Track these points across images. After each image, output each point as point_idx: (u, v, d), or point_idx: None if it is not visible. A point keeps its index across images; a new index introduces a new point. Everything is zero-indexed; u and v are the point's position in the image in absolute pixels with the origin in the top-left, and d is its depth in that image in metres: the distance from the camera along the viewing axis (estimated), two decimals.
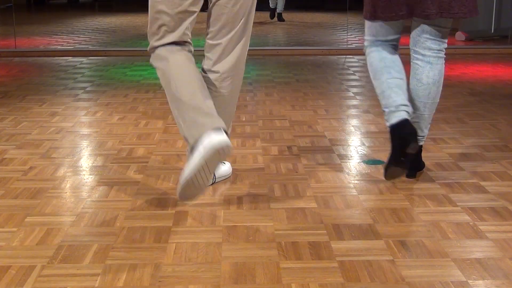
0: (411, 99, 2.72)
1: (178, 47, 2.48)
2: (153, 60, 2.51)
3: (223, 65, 2.55)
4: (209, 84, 2.53)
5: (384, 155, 3.19)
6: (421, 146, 2.82)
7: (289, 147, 3.34)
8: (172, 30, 2.46)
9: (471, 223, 2.35)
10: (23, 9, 12.38)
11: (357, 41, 7.85)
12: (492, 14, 7.77)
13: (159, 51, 2.48)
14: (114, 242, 2.19)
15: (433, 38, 2.72)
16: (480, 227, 2.32)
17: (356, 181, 2.81)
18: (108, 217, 2.41)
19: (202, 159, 2.20)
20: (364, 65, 6.13)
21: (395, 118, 2.60)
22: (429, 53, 2.75)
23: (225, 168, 2.83)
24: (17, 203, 2.55)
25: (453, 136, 3.56)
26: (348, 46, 7.47)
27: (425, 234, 2.25)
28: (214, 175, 2.67)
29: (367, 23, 2.82)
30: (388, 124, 2.64)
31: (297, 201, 2.58)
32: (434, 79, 2.73)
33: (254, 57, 6.67)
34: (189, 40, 2.53)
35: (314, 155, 3.20)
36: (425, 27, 2.72)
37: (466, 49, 7.08)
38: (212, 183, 2.73)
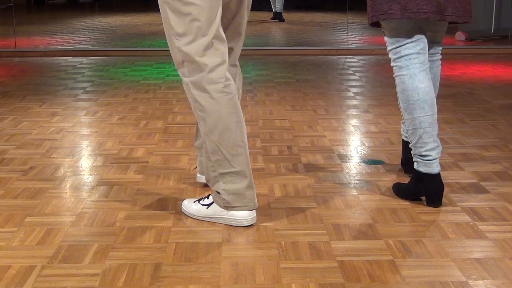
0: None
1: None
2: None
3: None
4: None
5: (384, 155, 3.19)
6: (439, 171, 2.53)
7: (289, 147, 3.34)
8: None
9: (471, 223, 2.35)
10: (23, 9, 12.38)
11: (357, 41, 7.85)
12: (492, 14, 7.77)
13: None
14: (114, 242, 2.19)
15: (429, 42, 2.63)
16: (480, 227, 2.32)
17: (356, 181, 2.81)
18: (108, 217, 2.41)
19: (221, 221, 2.33)
20: (364, 65, 6.14)
21: (425, 168, 2.47)
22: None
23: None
24: (17, 203, 2.55)
25: (453, 136, 3.56)
26: (348, 46, 7.47)
27: (425, 234, 2.25)
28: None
29: (388, 28, 2.50)
30: (415, 167, 2.51)
31: (297, 201, 2.58)
32: (435, 81, 2.73)
33: (254, 57, 6.67)
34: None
35: (314, 155, 3.20)
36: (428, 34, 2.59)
37: (466, 49, 7.07)
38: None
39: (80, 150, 3.30)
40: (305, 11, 11.77)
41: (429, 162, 2.46)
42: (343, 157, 3.17)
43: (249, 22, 10.15)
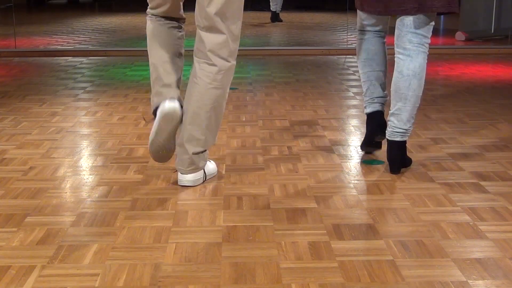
0: (393, 92, 2.88)
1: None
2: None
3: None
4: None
5: (384, 155, 3.19)
6: (405, 141, 2.91)
7: (289, 147, 3.34)
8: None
9: (471, 223, 2.35)
10: (23, 9, 12.38)
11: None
12: (492, 14, 7.77)
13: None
14: (114, 242, 2.19)
15: (413, 31, 2.83)
16: (480, 227, 2.32)
17: (356, 181, 2.81)
18: (108, 217, 2.41)
19: (157, 122, 2.64)
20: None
21: (370, 108, 3.10)
22: (409, 46, 2.85)
23: (212, 167, 2.85)
24: (17, 203, 2.55)
25: (453, 136, 3.56)
26: (348, 46, 7.47)
27: (425, 234, 2.25)
28: (205, 173, 2.78)
29: (358, 11, 3.12)
30: (365, 111, 3.13)
31: (297, 201, 2.58)
32: (415, 71, 2.86)
33: (254, 57, 6.67)
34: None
35: (314, 155, 3.20)
36: (405, 21, 2.84)
37: (466, 49, 7.07)
38: (203, 182, 2.77)
39: (80, 150, 3.30)
40: (305, 11, 11.77)
41: (374, 103, 3.09)
42: (343, 157, 3.17)
43: (249, 22, 10.15)
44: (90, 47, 7.40)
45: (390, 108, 2.89)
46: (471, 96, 4.64)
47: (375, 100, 3.09)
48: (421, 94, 2.89)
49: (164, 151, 2.72)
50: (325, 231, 2.27)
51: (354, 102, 4.45)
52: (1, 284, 1.89)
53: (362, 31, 3.13)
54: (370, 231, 2.28)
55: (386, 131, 2.92)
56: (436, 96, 4.64)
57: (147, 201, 2.58)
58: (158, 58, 2.77)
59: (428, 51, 2.91)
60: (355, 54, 6.81)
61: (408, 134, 2.89)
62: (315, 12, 11.78)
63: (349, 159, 3.13)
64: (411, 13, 2.79)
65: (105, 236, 2.24)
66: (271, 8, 9.96)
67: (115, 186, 2.75)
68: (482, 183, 2.80)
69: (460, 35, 7.79)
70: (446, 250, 2.12)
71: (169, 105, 2.64)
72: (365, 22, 3.10)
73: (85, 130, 3.69)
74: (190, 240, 2.20)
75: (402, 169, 2.94)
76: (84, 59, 6.57)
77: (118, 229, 2.30)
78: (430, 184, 2.78)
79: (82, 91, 4.86)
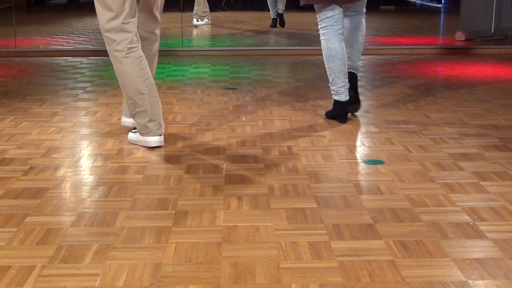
0: (348, 40, 3.85)
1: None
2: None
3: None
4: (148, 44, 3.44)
5: (384, 155, 3.19)
6: (356, 76, 3.92)
7: (289, 147, 3.34)
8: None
9: (471, 223, 2.35)
10: (23, 9, 12.38)
11: None
12: (492, 14, 7.77)
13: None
14: (114, 242, 2.19)
15: (353, 9, 3.85)
16: (480, 227, 2.32)
17: (356, 181, 2.81)
18: (108, 217, 2.41)
19: (139, 144, 3.33)
20: (364, 65, 6.14)
21: (338, 97, 3.82)
22: (351, 14, 3.86)
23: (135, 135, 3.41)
24: (17, 203, 2.55)
25: (453, 136, 3.56)
26: None
27: (425, 234, 2.25)
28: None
29: (316, 7, 3.83)
30: (333, 97, 3.85)
31: (297, 201, 2.58)
32: (361, 23, 3.86)
33: (254, 57, 6.68)
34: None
35: (314, 155, 3.20)
36: (348, 5, 3.83)
37: (466, 49, 7.08)
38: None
39: (80, 150, 3.30)
40: (305, 11, 11.77)
41: (339, 94, 3.80)
42: (343, 157, 3.17)
43: (249, 22, 10.15)
44: (90, 47, 7.40)
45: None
46: (471, 96, 4.64)
47: (341, 90, 3.79)
48: (363, 41, 3.91)
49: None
50: (325, 231, 2.27)
51: None
52: (1, 284, 1.89)
53: (322, 29, 3.79)
54: (370, 231, 2.28)
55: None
56: (436, 96, 4.64)
57: (147, 201, 2.58)
58: (141, 88, 3.25)
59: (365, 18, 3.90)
60: None
61: (359, 68, 3.93)
62: (315, 12, 11.76)
63: (349, 159, 3.13)
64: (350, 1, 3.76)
65: (105, 236, 2.24)
66: (271, 16, 9.41)
67: (115, 186, 2.75)
68: (482, 183, 2.80)
69: (460, 35, 7.79)
70: (446, 250, 2.12)
71: (159, 143, 3.32)
72: (323, 16, 3.76)
73: (85, 130, 3.69)
74: (190, 240, 2.20)
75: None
76: (84, 59, 6.57)
77: (118, 229, 2.30)
78: (430, 184, 2.78)
79: (82, 91, 4.86)
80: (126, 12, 3.12)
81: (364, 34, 3.91)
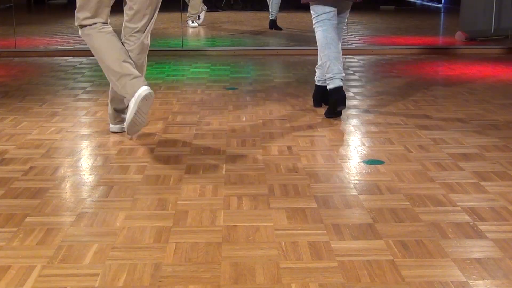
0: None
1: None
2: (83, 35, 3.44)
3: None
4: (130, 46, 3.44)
5: (384, 155, 3.19)
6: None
7: (289, 147, 3.34)
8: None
9: (471, 223, 2.35)
10: (23, 9, 12.38)
11: (357, 41, 7.85)
12: (492, 14, 7.77)
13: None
14: (114, 242, 2.19)
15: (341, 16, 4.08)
16: (480, 227, 2.32)
17: (356, 181, 2.81)
18: (108, 217, 2.41)
19: (136, 106, 3.18)
20: (364, 65, 6.14)
21: (333, 84, 3.89)
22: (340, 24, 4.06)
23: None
24: (17, 203, 2.55)
25: (453, 136, 3.56)
26: (348, 46, 7.46)
27: (425, 234, 2.25)
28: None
29: (313, 5, 3.98)
30: (328, 87, 3.92)
31: (297, 201, 2.58)
32: (340, 35, 4.05)
33: (254, 57, 6.68)
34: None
35: (314, 155, 3.20)
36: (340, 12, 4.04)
37: (466, 49, 7.08)
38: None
39: (80, 150, 3.30)
40: (305, 11, 11.77)
41: (334, 80, 3.89)
42: (343, 157, 3.17)
43: (249, 23, 10.15)
44: None
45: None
46: (471, 96, 4.64)
47: (336, 76, 3.89)
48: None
49: (140, 127, 3.30)
50: (325, 231, 2.27)
51: (354, 102, 4.45)
52: (1, 284, 1.89)
53: (318, 24, 3.97)
54: (370, 231, 2.28)
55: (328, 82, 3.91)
56: (436, 96, 4.64)
57: (147, 201, 2.58)
58: (117, 58, 3.33)
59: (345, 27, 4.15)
60: (355, 54, 6.84)
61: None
62: None
63: (349, 159, 3.13)
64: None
65: (105, 236, 2.24)
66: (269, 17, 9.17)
67: (115, 186, 2.75)
68: (482, 183, 2.80)
69: (460, 35, 7.79)
70: (446, 250, 2.12)
71: (148, 90, 3.21)
72: (321, 13, 3.94)
73: (85, 130, 3.69)
74: (190, 240, 2.20)
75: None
76: (84, 59, 6.57)
77: (118, 229, 2.30)
78: (430, 184, 2.78)
79: (82, 91, 4.86)
80: (100, 18, 3.38)
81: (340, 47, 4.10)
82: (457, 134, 3.59)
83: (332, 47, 3.91)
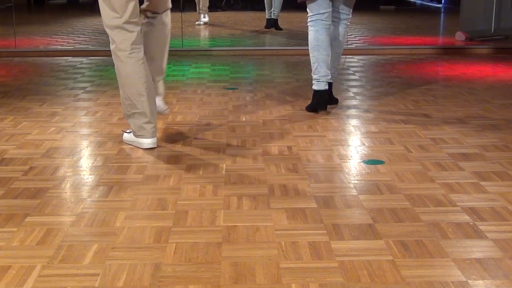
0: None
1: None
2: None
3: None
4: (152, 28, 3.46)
5: (384, 155, 3.19)
6: (332, 83, 4.17)
7: (289, 147, 3.34)
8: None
9: (471, 223, 2.35)
10: (23, 9, 12.38)
11: (357, 41, 7.85)
12: (492, 14, 7.77)
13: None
14: (114, 242, 2.19)
15: (341, 11, 4.14)
16: (480, 227, 2.32)
17: (356, 181, 2.81)
18: (108, 217, 2.41)
19: (134, 143, 3.36)
20: (364, 65, 6.14)
21: (317, 86, 4.05)
22: (338, 19, 4.17)
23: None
24: (17, 203, 2.55)
25: (453, 136, 3.56)
26: (348, 46, 7.46)
27: (425, 234, 2.25)
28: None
29: (309, 4, 4.12)
30: (313, 87, 4.07)
31: (297, 201, 2.58)
32: (341, 33, 4.18)
33: (254, 57, 6.68)
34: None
35: (314, 155, 3.20)
36: (336, 3, 4.13)
37: (466, 49, 7.08)
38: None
39: (80, 150, 3.30)
40: (305, 11, 11.77)
41: (319, 82, 4.03)
42: (343, 157, 3.17)
43: (249, 22, 10.15)
44: (90, 47, 7.40)
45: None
46: (471, 96, 4.64)
47: (322, 79, 4.02)
48: (343, 47, 4.23)
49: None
50: (325, 231, 2.27)
51: (354, 102, 4.45)
52: (1, 284, 1.89)
53: (311, 23, 4.11)
54: (370, 231, 2.28)
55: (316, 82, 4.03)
56: (436, 96, 4.64)
57: (147, 201, 2.58)
58: (141, 90, 3.27)
59: (348, 23, 4.20)
60: (355, 54, 6.85)
61: (335, 75, 4.21)
62: None
63: (349, 159, 3.13)
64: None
65: (105, 236, 2.24)
66: (266, 16, 9.14)
67: (115, 186, 2.75)
68: (482, 183, 2.80)
69: (460, 35, 7.79)
70: (446, 250, 2.12)
71: (152, 145, 3.33)
72: (316, 12, 4.08)
73: (85, 130, 3.69)
74: (190, 240, 2.20)
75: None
76: (84, 59, 6.57)
77: (118, 229, 2.30)
78: (430, 184, 2.78)
79: (82, 91, 4.86)
80: (129, 13, 3.16)
81: (344, 43, 4.23)
82: (457, 134, 3.59)
83: (321, 49, 4.01)
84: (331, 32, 4.15)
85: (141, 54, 3.24)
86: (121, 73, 3.24)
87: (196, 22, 9.73)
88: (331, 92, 4.24)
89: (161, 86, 3.66)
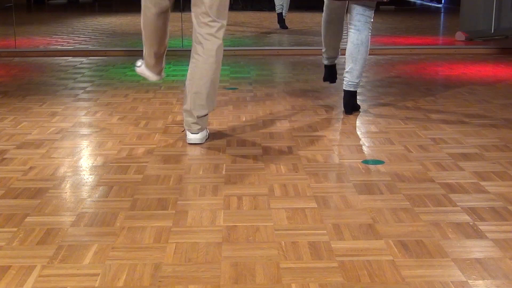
0: (347, 56, 3.99)
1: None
2: None
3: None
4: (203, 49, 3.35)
5: (384, 155, 3.19)
6: (356, 91, 4.06)
7: (289, 147, 3.34)
8: None
9: (471, 223, 2.35)
10: (23, 9, 12.38)
11: None
12: (492, 14, 7.77)
13: None
14: (114, 242, 2.19)
15: (361, 13, 3.96)
16: (480, 227, 2.32)
17: (356, 181, 2.81)
18: (108, 217, 2.41)
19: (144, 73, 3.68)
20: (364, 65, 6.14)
21: (327, 62, 4.43)
22: (358, 24, 3.97)
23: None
24: (17, 203, 2.55)
25: (453, 136, 3.56)
26: None
27: (425, 234, 2.25)
28: (207, 132, 3.52)
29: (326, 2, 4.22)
30: (324, 62, 4.44)
31: (297, 201, 2.58)
32: (362, 41, 3.96)
33: (254, 57, 6.67)
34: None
35: (314, 155, 3.20)
36: (356, 6, 3.97)
37: (466, 49, 7.08)
38: (207, 139, 3.47)
39: (80, 150, 3.30)
40: (305, 11, 11.77)
41: (329, 58, 4.36)
42: (343, 157, 3.17)
43: (249, 22, 10.15)
44: (90, 47, 7.40)
45: (345, 68, 4.00)
46: (471, 96, 4.64)
47: (331, 61, 4.40)
48: (367, 58, 4.00)
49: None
50: (325, 231, 2.27)
51: None
52: (1, 284, 1.89)
53: (326, 19, 4.31)
54: (370, 231, 2.28)
55: (343, 84, 4.02)
56: (436, 96, 4.64)
57: (147, 201, 2.58)
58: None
59: (371, 27, 4.00)
60: None
61: (358, 86, 4.03)
62: (315, 12, 11.78)
63: (349, 159, 3.13)
64: (360, 3, 3.94)
65: (105, 236, 2.24)
66: (276, 10, 9.21)
67: (115, 186, 2.75)
68: (482, 183, 2.80)
69: (460, 35, 7.79)
70: (446, 250, 2.12)
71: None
72: (329, 9, 4.21)
73: (85, 130, 3.69)
74: (190, 240, 2.20)
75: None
76: (84, 59, 6.57)
77: (118, 229, 2.30)
78: (430, 184, 2.78)
79: (82, 91, 4.86)
80: None
81: (368, 50, 4.02)
82: (457, 134, 3.59)
83: (332, 26, 4.27)
84: (358, 37, 3.97)
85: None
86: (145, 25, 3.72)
87: None
88: (356, 102, 4.11)
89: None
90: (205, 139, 3.43)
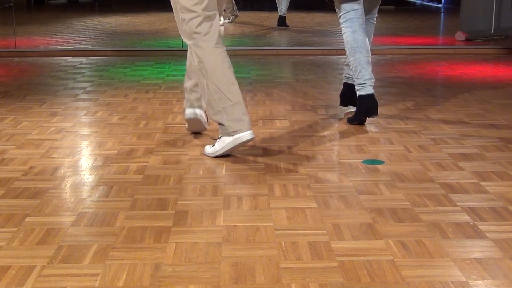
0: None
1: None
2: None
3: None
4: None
5: (384, 155, 3.19)
6: (354, 85, 3.82)
7: (289, 147, 3.34)
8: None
9: (471, 223, 2.35)
10: (23, 9, 12.38)
11: None
12: (492, 14, 7.77)
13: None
14: (114, 242, 2.19)
15: (366, 10, 3.87)
16: (480, 227, 2.32)
17: (356, 181, 2.81)
18: (108, 217, 2.41)
19: (231, 146, 3.07)
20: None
21: (364, 91, 3.70)
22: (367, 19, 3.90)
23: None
24: (17, 203, 2.55)
25: (453, 136, 3.56)
26: None
27: (425, 234, 2.25)
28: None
29: (340, 4, 3.76)
30: (358, 93, 3.73)
31: (297, 201, 2.58)
32: (370, 34, 3.92)
33: (254, 57, 6.67)
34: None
35: (314, 155, 3.20)
36: (366, 4, 3.85)
37: (466, 49, 7.08)
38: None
39: (80, 150, 3.30)
40: (305, 11, 11.77)
41: (365, 87, 3.69)
42: (343, 157, 3.17)
43: (249, 22, 10.15)
44: (90, 47, 7.40)
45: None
46: (471, 96, 4.64)
47: (368, 83, 3.70)
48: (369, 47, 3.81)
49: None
50: (325, 231, 2.27)
51: None
52: (1, 284, 1.89)
53: (346, 22, 3.75)
54: (370, 231, 2.28)
55: (360, 89, 3.71)
56: (436, 96, 4.64)
57: (147, 201, 2.58)
58: (231, 79, 3.17)
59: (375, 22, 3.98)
60: None
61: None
62: (315, 12, 11.78)
63: (349, 159, 3.13)
64: None
65: (105, 236, 2.24)
66: (279, 13, 9.31)
67: (115, 186, 2.75)
68: (482, 183, 2.80)
69: (460, 35, 7.79)
70: (446, 250, 2.12)
71: (250, 136, 3.06)
72: (348, 10, 3.73)
73: (85, 130, 3.69)
74: (190, 240, 2.20)
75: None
76: (84, 59, 6.57)
77: (118, 229, 2.30)
78: (430, 184, 2.78)
79: (82, 91, 4.86)
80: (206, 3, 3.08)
81: (371, 41, 3.92)
82: (457, 134, 3.59)
83: (363, 51, 3.69)
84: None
85: (223, 48, 3.23)
86: (206, 66, 3.09)
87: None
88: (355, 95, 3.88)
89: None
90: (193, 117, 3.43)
